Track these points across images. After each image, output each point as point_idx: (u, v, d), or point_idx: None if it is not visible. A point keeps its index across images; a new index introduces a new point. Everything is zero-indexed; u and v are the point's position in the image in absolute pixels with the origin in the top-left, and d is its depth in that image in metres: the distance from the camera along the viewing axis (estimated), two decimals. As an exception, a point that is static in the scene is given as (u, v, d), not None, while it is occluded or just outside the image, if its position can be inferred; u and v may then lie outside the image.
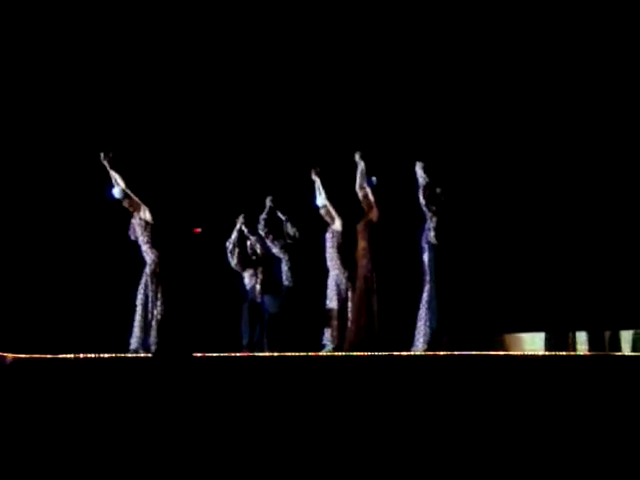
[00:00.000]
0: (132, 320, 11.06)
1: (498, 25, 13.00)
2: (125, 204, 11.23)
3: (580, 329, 11.60)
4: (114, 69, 12.99)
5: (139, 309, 11.05)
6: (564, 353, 10.60)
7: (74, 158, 12.55)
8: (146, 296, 11.07)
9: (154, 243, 11.17)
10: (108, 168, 11.19)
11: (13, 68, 12.73)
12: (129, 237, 11.28)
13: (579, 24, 12.75)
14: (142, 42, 13.03)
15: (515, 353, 10.88)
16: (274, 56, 13.19)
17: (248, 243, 11.96)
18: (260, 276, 11.84)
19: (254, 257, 11.93)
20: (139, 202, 11.21)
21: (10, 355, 9.14)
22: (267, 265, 11.83)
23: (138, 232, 11.23)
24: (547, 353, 10.91)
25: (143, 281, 11.13)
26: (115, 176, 11.21)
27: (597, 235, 12.57)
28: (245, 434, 8.68)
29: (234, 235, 11.93)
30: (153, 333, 10.94)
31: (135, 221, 11.24)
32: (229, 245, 11.93)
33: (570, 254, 12.74)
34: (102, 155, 11.16)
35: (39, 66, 12.85)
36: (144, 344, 10.88)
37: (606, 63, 12.68)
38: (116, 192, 11.20)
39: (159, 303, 11.04)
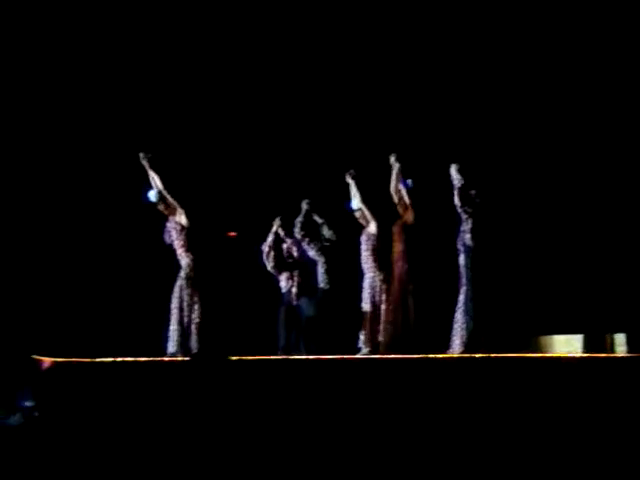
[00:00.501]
0: (168, 324, 11.06)
1: (535, 29, 12.96)
2: (160, 207, 11.16)
3: (618, 331, 11.53)
4: (155, 71, 13.06)
5: (174, 313, 11.03)
6: (602, 355, 10.53)
7: (111, 162, 12.63)
8: (181, 300, 11.05)
9: (189, 247, 11.15)
10: (147, 168, 11.14)
11: (52, 66, 12.83)
12: (164, 241, 11.26)
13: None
14: (182, 46, 13.11)
15: (552, 355, 10.82)
16: (310, 60, 13.20)
17: (284, 246, 11.95)
18: (296, 279, 11.82)
19: (290, 260, 11.92)
20: (175, 205, 11.16)
21: (48, 359, 9.22)
22: (303, 268, 11.82)
23: (173, 236, 11.17)
24: (585, 355, 10.84)
25: (178, 285, 11.10)
26: (154, 177, 11.16)
27: (636, 237, 12.51)
28: (282, 436, 8.71)
29: (270, 238, 11.89)
30: (193, 337, 10.94)
31: (170, 225, 11.19)
32: (265, 248, 11.90)
33: (609, 255, 12.67)
34: (142, 155, 11.13)
35: (79, 65, 12.94)
36: (182, 348, 10.87)
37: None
38: (152, 195, 11.14)
39: (196, 307, 11.04)
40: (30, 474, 8.24)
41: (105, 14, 12.96)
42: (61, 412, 8.83)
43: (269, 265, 11.90)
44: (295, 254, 11.88)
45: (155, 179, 11.14)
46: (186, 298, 11.02)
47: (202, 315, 10.99)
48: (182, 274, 11.11)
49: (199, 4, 13.20)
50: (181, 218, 11.17)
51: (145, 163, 11.14)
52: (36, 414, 8.88)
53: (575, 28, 12.89)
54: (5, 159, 12.66)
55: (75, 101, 12.95)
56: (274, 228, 11.91)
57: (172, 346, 10.91)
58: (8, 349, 10.24)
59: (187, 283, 11.05)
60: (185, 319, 10.98)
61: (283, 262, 11.90)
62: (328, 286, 11.65)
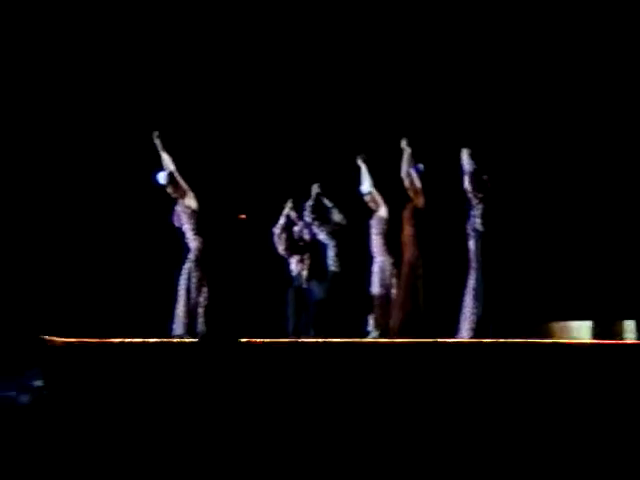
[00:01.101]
0: (174, 306, 11.06)
1: (548, 15, 12.93)
2: (169, 190, 11.07)
3: (629, 317, 11.50)
4: (166, 54, 13.06)
5: (182, 295, 11.01)
6: (612, 342, 10.51)
7: (121, 144, 12.63)
8: (189, 282, 11.03)
9: (199, 230, 11.11)
10: (160, 148, 11.06)
11: (69, 52, 12.84)
12: (172, 223, 11.23)
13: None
14: (195, 30, 13.10)
15: (561, 341, 10.80)
16: (322, 44, 13.17)
17: (295, 229, 11.93)
18: (307, 262, 11.81)
19: (301, 243, 11.90)
20: (186, 188, 11.10)
21: (59, 339, 9.24)
22: (314, 251, 11.79)
23: (183, 219, 11.11)
24: (595, 341, 10.82)
25: (187, 267, 11.07)
26: (165, 158, 11.10)
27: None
28: (292, 419, 8.72)
29: (281, 221, 11.87)
30: (200, 319, 10.94)
31: (179, 208, 11.12)
32: (276, 231, 11.88)
33: (619, 241, 12.64)
34: (156, 133, 11.06)
35: (96, 50, 12.95)
36: (189, 330, 10.88)
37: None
38: (161, 177, 11.09)
39: (204, 289, 11.03)
40: (38, 453, 8.27)
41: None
42: (70, 392, 8.86)
43: (280, 248, 11.87)
44: (306, 237, 11.87)
45: (167, 160, 11.10)
46: (194, 281, 11.01)
47: (210, 297, 10.99)
48: (191, 256, 11.08)
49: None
50: (191, 201, 11.12)
51: (158, 143, 11.09)
52: (45, 393, 8.91)
53: (590, 19, 12.84)
54: (15, 141, 12.67)
55: (86, 83, 12.95)
56: (285, 210, 11.87)
57: (178, 328, 10.91)
58: (18, 329, 10.29)
59: (196, 266, 11.04)
60: (192, 301, 10.97)
61: (294, 245, 11.88)
62: (338, 269, 11.64)
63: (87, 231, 12.72)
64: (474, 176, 10.98)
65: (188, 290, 11.00)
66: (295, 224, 11.91)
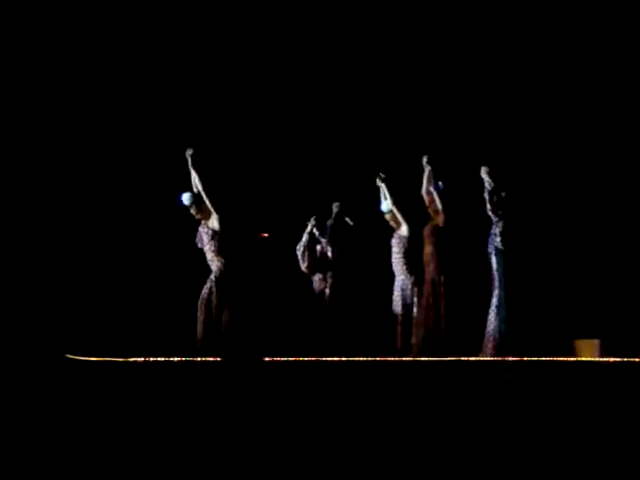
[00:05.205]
0: (195, 325, 11.06)
1: (569, 35, 12.94)
2: (193, 211, 11.05)
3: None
4: (186, 74, 13.10)
5: (201, 314, 11.01)
6: (637, 360, 10.46)
7: (145, 165, 12.67)
8: (210, 302, 11.03)
9: (220, 251, 11.08)
10: (190, 165, 11.03)
11: (93, 61, 12.88)
12: (196, 245, 11.23)
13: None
14: (214, 52, 13.17)
15: (585, 359, 10.77)
16: (342, 62, 13.20)
17: (318, 247, 11.92)
18: (330, 280, 11.79)
19: (323, 261, 11.88)
20: (211, 209, 11.04)
21: (84, 358, 9.26)
22: (337, 269, 11.78)
23: (204, 240, 11.09)
24: (618, 359, 10.78)
25: (207, 287, 11.08)
26: (195, 176, 11.07)
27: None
28: (313, 435, 8.70)
29: (305, 238, 11.86)
30: (222, 339, 10.92)
31: (202, 229, 11.13)
32: (300, 248, 11.87)
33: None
34: (189, 151, 11.03)
35: (123, 61, 13.00)
36: (211, 349, 10.86)
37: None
38: (185, 198, 11.08)
39: (226, 309, 11.01)
40: (61, 473, 8.27)
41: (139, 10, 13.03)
42: (94, 411, 8.86)
43: (303, 266, 11.87)
44: (330, 254, 11.85)
45: (196, 179, 11.09)
46: (215, 301, 10.99)
47: (232, 317, 10.97)
48: (212, 277, 11.06)
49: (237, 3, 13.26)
50: (214, 223, 11.08)
51: (189, 159, 11.08)
52: (69, 412, 8.91)
53: (610, 38, 12.86)
54: (37, 158, 12.71)
55: (110, 101, 12.99)
56: (309, 228, 11.87)
57: (202, 347, 10.88)
58: (43, 348, 10.29)
59: (218, 286, 11.02)
60: (214, 320, 10.96)
61: (317, 263, 11.87)
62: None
63: (112, 251, 12.74)
64: (493, 194, 10.99)
65: (209, 310, 10.99)
66: (319, 242, 11.91)
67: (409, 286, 11.34)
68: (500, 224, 11.00)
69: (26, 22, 12.74)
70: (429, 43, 13.09)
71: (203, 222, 11.13)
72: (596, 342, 11.38)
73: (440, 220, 11.27)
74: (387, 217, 11.50)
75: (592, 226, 12.75)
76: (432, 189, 11.36)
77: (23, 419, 8.43)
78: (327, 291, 11.76)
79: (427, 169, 11.38)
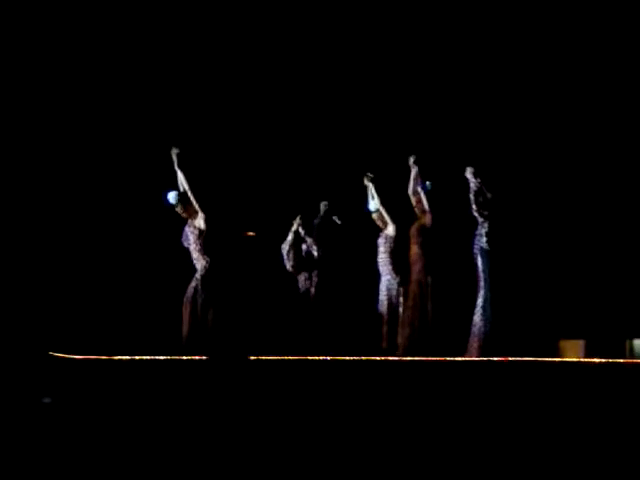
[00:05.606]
0: (180, 324, 11.05)
1: (561, 36, 12.96)
2: (179, 210, 11.10)
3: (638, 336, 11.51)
4: (174, 73, 13.08)
5: (186, 313, 11.00)
6: (622, 360, 10.49)
7: (132, 164, 12.64)
8: (195, 301, 11.03)
9: (206, 250, 11.09)
10: (175, 165, 11.08)
11: (85, 60, 12.85)
12: (182, 244, 11.22)
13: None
14: (204, 50, 13.15)
15: (570, 359, 10.80)
16: (329, 62, 13.21)
17: (303, 246, 11.93)
18: (315, 279, 11.80)
19: (309, 260, 11.89)
20: (197, 208, 11.08)
21: (67, 356, 9.23)
22: (322, 268, 11.78)
23: (190, 239, 11.13)
24: (603, 360, 10.81)
25: (193, 286, 11.08)
26: (180, 176, 11.11)
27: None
28: (299, 435, 8.69)
29: (290, 237, 11.88)
30: (206, 337, 10.92)
31: (188, 229, 11.15)
32: (285, 247, 11.88)
33: (630, 258, 12.63)
34: (175, 150, 11.08)
35: (110, 58, 12.96)
36: (196, 348, 10.85)
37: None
38: (171, 197, 11.11)
39: (210, 308, 11.01)
40: (46, 471, 8.24)
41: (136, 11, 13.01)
42: (78, 410, 8.83)
43: (288, 264, 11.88)
44: (315, 253, 11.86)
45: (181, 178, 11.09)
46: (200, 300, 10.99)
47: (218, 315, 10.97)
48: (197, 276, 11.07)
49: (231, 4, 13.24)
50: (200, 222, 11.09)
51: (175, 158, 11.09)
52: (53, 410, 8.88)
53: (605, 38, 12.88)
54: (27, 160, 12.68)
55: (105, 103, 12.96)
56: (294, 227, 11.89)
57: (186, 346, 10.88)
58: (27, 346, 10.25)
59: (203, 285, 11.02)
60: (199, 319, 10.96)
61: (302, 261, 11.88)
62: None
63: (97, 250, 12.71)
64: (478, 194, 11.01)
65: (194, 308, 10.99)
66: (304, 241, 11.91)
67: (395, 286, 11.36)
68: (485, 225, 11.01)
69: (23, 22, 12.72)
70: (416, 45, 13.11)
71: (189, 221, 11.13)
72: (581, 342, 11.41)
73: (427, 220, 11.29)
74: (374, 217, 11.52)
75: (578, 227, 12.78)
76: (419, 189, 11.38)
77: (5, 418, 8.39)
78: (312, 290, 11.79)
79: (414, 169, 11.40)
